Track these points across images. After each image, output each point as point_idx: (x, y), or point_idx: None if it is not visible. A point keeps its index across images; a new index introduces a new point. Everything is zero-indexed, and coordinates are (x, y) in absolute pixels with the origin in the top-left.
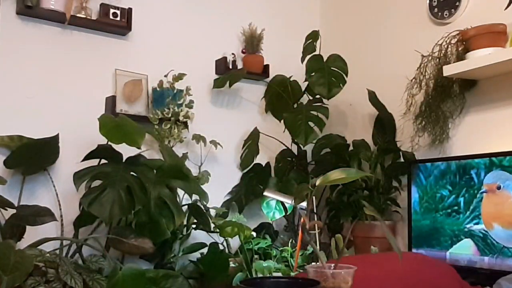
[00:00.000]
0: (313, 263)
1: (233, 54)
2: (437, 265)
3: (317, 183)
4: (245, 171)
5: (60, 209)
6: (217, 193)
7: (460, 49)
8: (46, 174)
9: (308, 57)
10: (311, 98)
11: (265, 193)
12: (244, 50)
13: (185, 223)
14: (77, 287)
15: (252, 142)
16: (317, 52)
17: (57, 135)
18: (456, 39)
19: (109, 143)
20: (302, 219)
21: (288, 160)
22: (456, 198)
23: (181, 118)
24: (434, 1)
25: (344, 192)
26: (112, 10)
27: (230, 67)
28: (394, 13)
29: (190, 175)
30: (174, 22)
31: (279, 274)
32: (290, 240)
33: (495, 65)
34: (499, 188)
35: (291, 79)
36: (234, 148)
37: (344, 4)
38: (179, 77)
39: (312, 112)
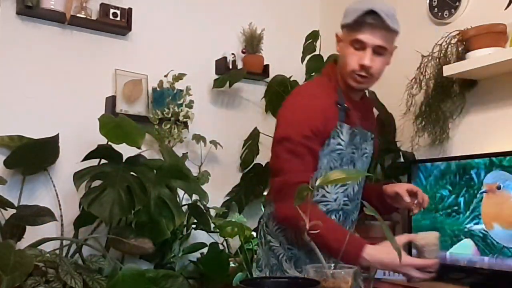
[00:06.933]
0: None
1: (233, 54)
2: None
3: (317, 183)
4: (245, 171)
5: (60, 209)
6: (217, 193)
7: (460, 49)
8: (46, 174)
9: (308, 57)
10: None
11: (265, 193)
12: (244, 50)
13: (185, 223)
14: (77, 287)
15: (252, 142)
16: (317, 52)
17: (57, 135)
18: (456, 39)
19: (109, 143)
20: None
21: None
22: (456, 198)
23: (181, 118)
24: (434, 1)
25: None
26: (112, 10)
27: (230, 67)
28: None
29: (190, 175)
30: (174, 22)
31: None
32: None
33: (495, 65)
34: (499, 188)
35: (291, 79)
36: (234, 148)
37: (344, 4)
38: (179, 77)
39: None
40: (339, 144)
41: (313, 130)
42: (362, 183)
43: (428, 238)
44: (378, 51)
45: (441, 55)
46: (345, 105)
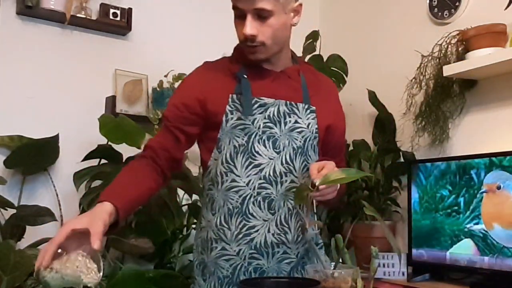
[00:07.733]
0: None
1: None
2: None
3: (317, 183)
4: None
5: (60, 209)
6: None
7: (460, 49)
8: (46, 174)
9: (308, 57)
10: None
11: None
12: None
13: (185, 223)
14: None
15: None
16: (317, 52)
17: (57, 135)
18: (456, 39)
19: (109, 143)
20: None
21: None
22: (456, 198)
23: None
24: (434, 1)
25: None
26: (112, 10)
27: None
28: (394, 13)
29: (190, 175)
30: (174, 22)
31: None
32: None
33: (495, 65)
34: (499, 188)
35: None
36: None
37: (343, 4)
38: (179, 77)
39: None
40: (240, 118)
41: (186, 103)
42: (292, 160)
43: (68, 263)
44: (262, 14)
45: (441, 55)
46: (245, 76)
